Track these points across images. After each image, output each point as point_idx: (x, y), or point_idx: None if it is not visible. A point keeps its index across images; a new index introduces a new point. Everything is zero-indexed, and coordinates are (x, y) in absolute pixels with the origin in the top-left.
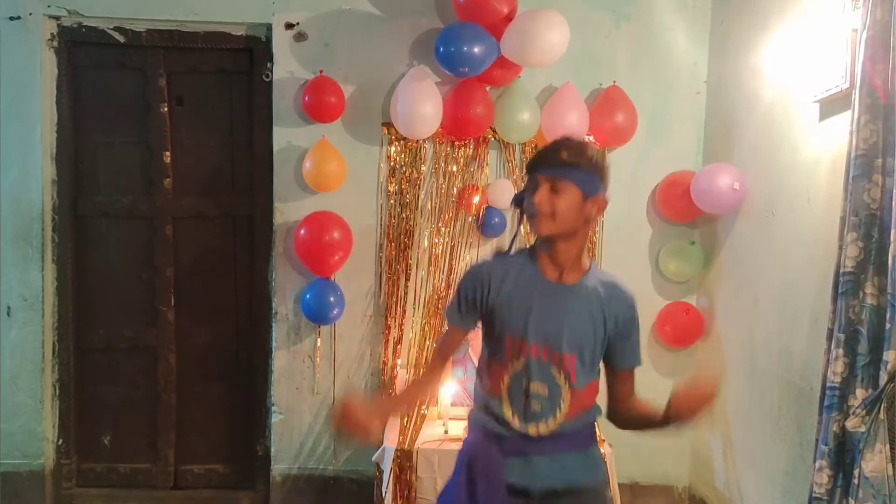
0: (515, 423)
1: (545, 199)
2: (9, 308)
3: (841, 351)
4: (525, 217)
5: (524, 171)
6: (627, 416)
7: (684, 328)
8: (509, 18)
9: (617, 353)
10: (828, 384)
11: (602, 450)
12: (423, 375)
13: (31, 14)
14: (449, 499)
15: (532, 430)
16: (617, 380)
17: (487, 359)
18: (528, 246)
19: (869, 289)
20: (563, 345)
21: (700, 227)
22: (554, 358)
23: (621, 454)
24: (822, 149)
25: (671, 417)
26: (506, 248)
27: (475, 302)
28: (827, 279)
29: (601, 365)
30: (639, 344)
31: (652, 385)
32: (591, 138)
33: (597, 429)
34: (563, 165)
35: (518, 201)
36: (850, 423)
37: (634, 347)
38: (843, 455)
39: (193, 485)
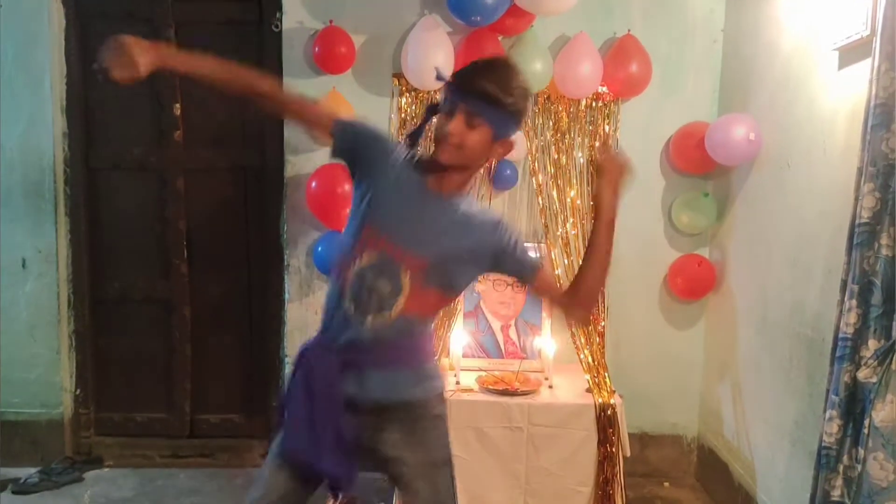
0: (351, 310)
1: (457, 130)
2: (24, 260)
3: (854, 302)
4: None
5: (454, 81)
6: (571, 299)
7: (696, 280)
8: None
9: (514, 270)
10: (840, 335)
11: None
12: (247, 70)
13: None
14: (290, 414)
15: (369, 319)
16: (535, 292)
17: (343, 248)
18: (418, 153)
19: (884, 240)
20: (416, 247)
21: (714, 179)
22: (406, 259)
23: (631, 404)
24: (840, 98)
25: (597, 208)
26: (410, 141)
27: (365, 153)
28: (841, 231)
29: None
30: (525, 253)
31: (664, 337)
32: (605, 89)
33: (432, 347)
34: (487, 102)
35: (432, 109)
36: (862, 374)
37: (522, 259)
38: (854, 405)
39: (209, 433)
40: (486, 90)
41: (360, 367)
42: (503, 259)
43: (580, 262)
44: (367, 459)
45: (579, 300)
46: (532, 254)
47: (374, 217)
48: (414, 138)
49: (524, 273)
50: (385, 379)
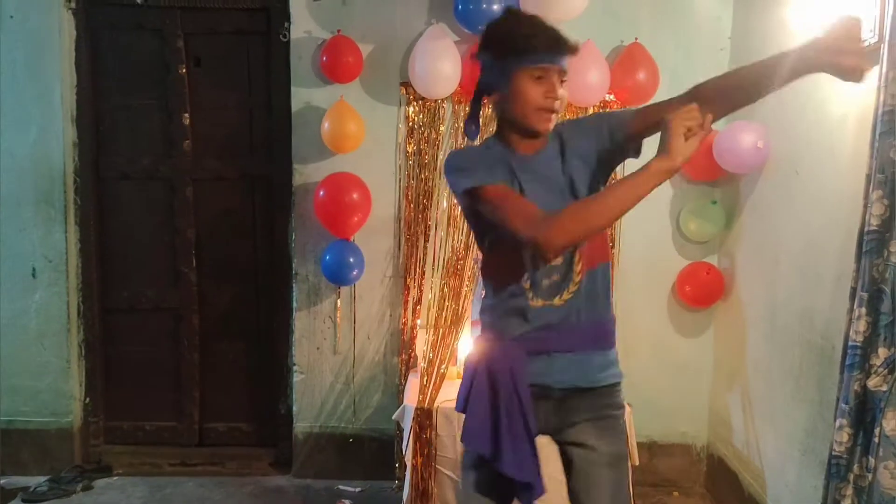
0: (538, 303)
1: (562, 94)
2: (34, 269)
3: (864, 310)
4: (501, 100)
5: (513, 46)
6: (721, 90)
7: (705, 288)
8: None
9: (621, 142)
10: (850, 343)
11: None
12: None
13: None
14: (471, 408)
15: (557, 300)
16: (643, 122)
17: (500, 252)
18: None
19: (893, 247)
20: (565, 201)
21: (722, 187)
22: None
23: (640, 413)
24: (848, 105)
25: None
26: (474, 141)
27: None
28: (850, 238)
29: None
30: (613, 114)
31: (672, 345)
32: (612, 97)
33: (615, 330)
34: (571, 52)
35: (490, 86)
36: (872, 383)
37: (615, 120)
38: (864, 414)
39: (217, 442)
40: (564, 40)
41: (548, 352)
42: (604, 136)
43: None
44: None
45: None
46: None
47: None
48: (476, 123)
49: (628, 121)
50: (574, 362)
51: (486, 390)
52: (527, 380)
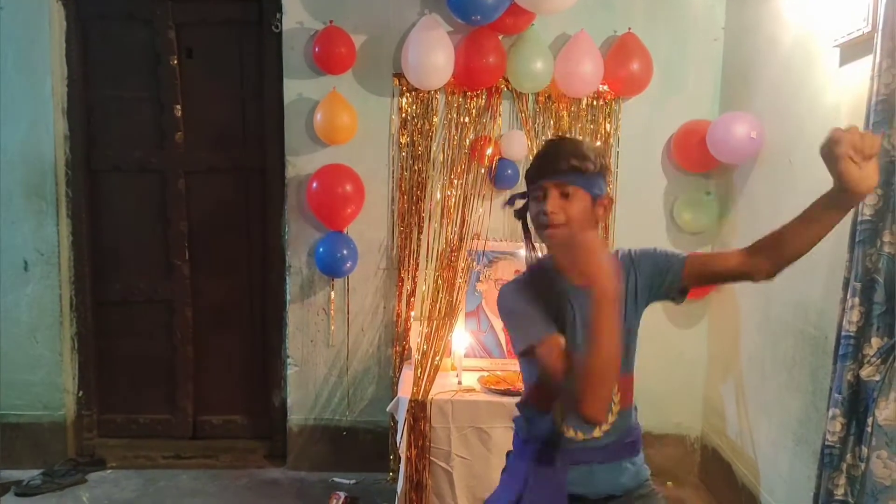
0: (578, 437)
1: (557, 207)
2: (25, 262)
3: (857, 300)
4: (532, 228)
5: (531, 173)
6: (763, 257)
7: None
8: None
9: (664, 281)
10: (843, 333)
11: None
12: None
13: None
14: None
15: (597, 432)
16: (698, 278)
17: (531, 376)
18: (541, 256)
19: (887, 237)
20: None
21: (716, 178)
22: None
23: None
24: (841, 95)
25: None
26: (531, 264)
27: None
28: (844, 228)
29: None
30: (671, 253)
31: (667, 336)
32: (606, 87)
33: (641, 434)
34: (571, 171)
35: (519, 211)
36: (865, 372)
37: (674, 257)
38: (857, 404)
39: (211, 435)
40: (563, 159)
41: (588, 463)
42: (658, 279)
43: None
44: None
45: (779, 255)
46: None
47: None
48: (529, 251)
49: (680, 269)
50: (612, 471)
51: (523, 488)
52: (564, 491)
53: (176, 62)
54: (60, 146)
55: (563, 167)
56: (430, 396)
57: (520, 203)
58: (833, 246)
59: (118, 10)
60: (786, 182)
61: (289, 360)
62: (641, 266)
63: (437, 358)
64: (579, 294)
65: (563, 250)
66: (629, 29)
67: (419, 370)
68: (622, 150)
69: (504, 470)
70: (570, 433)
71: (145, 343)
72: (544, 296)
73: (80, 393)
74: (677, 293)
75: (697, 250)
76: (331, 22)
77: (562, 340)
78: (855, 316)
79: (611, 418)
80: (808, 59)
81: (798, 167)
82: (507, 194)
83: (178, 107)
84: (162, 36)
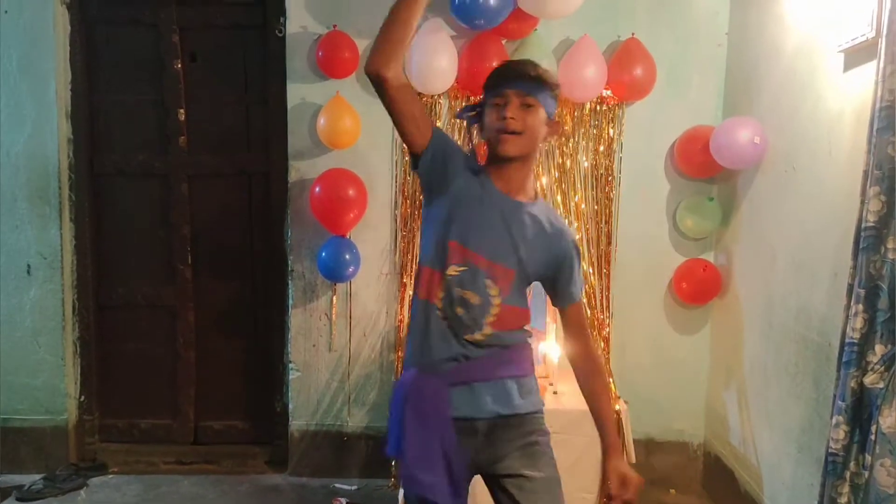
0: (446, 328)
1: (517, 115)
2: (28, 266)
3: (861, 307)
4: (479, 132)
5: (491, 81)
6: (578, 359)
7: (701, 285)
8: None
9: (561, 286)
10: (847, 340)
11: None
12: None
13: None
14: (397, 444)
15: (468, 336)
16: (563, 315)
17: (424, 266)
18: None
19: (891, 244)
20: (503, 257)
21: (719, 183)
22: (492, 269)
23: (636, 410)
24: (845, 100)
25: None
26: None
27: (448, 166)
28: (847, 234)
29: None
30: (579, 275)
31: (669, 342)
32: (609, 92)
33: (532, 357)
34: (536, 82)
35: (472, 117)
36: (869, 380)
37: (575, 280)
38: (861, 411)
39: (213, 440)
40: (527, 71)
41: (468, 383)
42: (560, 272)
43: (595, 392)
44: (487, 482)
45: (587, 362)
46: (578, 275)
47: (458, 229)
48: (472, 156)
49: (570, 295)
50: (495, 390)
51: (414, 424)
52: (449, 415)
53: (180, 66)
54: (64, 150)
55: (529, 77)
56: None
57: (471, 113)
58: (836, 252)
59: (123, 14)
60: (789, 188)
61: (290, 365)
62: (557, 255)
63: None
64: (497, 198)
65: (513, 156)
66: (632, 34)
67: None
68: (625, 154)
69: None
70: (444, 323)
71: (147, 347)
72: (468, 179)
73: (82, 397)
74: (553, 298)
75: (700, 256)
76: (334, 26)
77: None
78: (859, 323)
79: (486, 331)
80: (812, 64)
81: (801, 173)
82: None
83: (182, 111)
84: (166, 40)
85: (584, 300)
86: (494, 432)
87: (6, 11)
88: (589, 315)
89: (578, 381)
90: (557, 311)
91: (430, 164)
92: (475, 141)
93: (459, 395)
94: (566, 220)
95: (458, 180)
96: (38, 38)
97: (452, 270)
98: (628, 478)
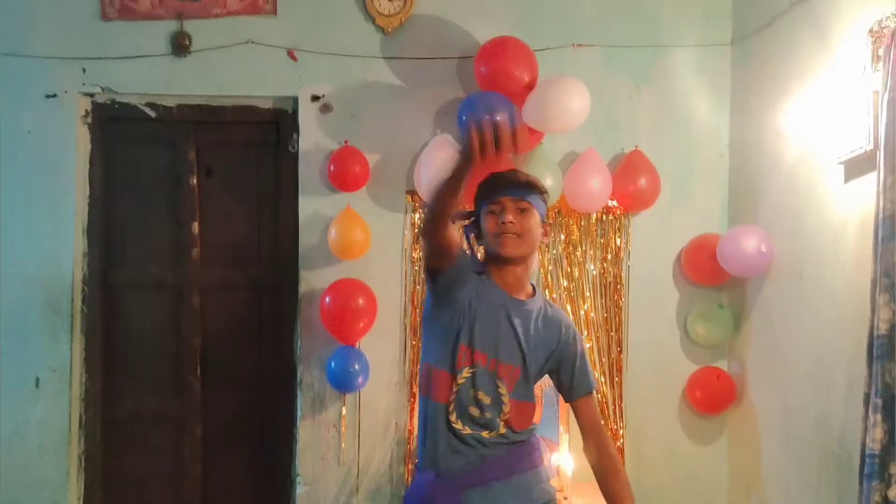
0: (466, 431)
1: (515, 218)
2: (37, 379)
3: (879, 417)
4: (479, 241)
5: (483, 190)
6: (594, 456)
7: (716, 394)
8: (530, 87)
9: (570, 379)
10: (867, 451)
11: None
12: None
13: (66, 92)
14: None
15: (485, 434)
16: (577, 410)
17: (433, 368)
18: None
19: None
20: (509, 356)
21: (728, 290)
22: (499, 368)
23: None
24: (848, 210)
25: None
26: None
27: (457, 284)
28: (860, 342)
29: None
30: (588, 367)
31: (685, 454)
32: (615, 202)
33: (543, 448)
34: (527, 187)
35: (467, 226)
36: (893, 493)
37: (584, 371)
38: None
39: None
40: (517, 178)
41: (487, 483)
42: (565, 364)
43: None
44: None
45: (604, 460)
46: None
47: (467, 332)
48: (475, 260)
49: (578, 387)
50: (512, 489)
51: None
52: None
53: (195, 181)
54: (79, 263)
55: (520, 183)
56: None
57: (465, 221)
58: (851, 360)
59: (142, 133)
60: (799, 295)
61: (298, 479)
62: (558, 348)
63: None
64: (500, 297)
65: (515, 257)
66: (636, 147)
67: None
68: (633, 263)
69: None
70: (458, 424)
71: (153, 462)
72: (475, 287)
73: None
74: (563, 393)
75: (713, 364)
76: (346, 142)
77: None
78: (878, 433)
79: (502, 429)
80: (813, 175)
81: (810, 281)
82: None
83: (196, 224)
84: (183, 157)
85: (596, 396)
86: None
87: (29, 132)
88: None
89: (598, 482)
90: (571, 409)
91: (447, 281)
92: (475, 248)
93: (478, 497)
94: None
95: (467, 287)
96: (58, 156)
97: (465, 372)
98: None
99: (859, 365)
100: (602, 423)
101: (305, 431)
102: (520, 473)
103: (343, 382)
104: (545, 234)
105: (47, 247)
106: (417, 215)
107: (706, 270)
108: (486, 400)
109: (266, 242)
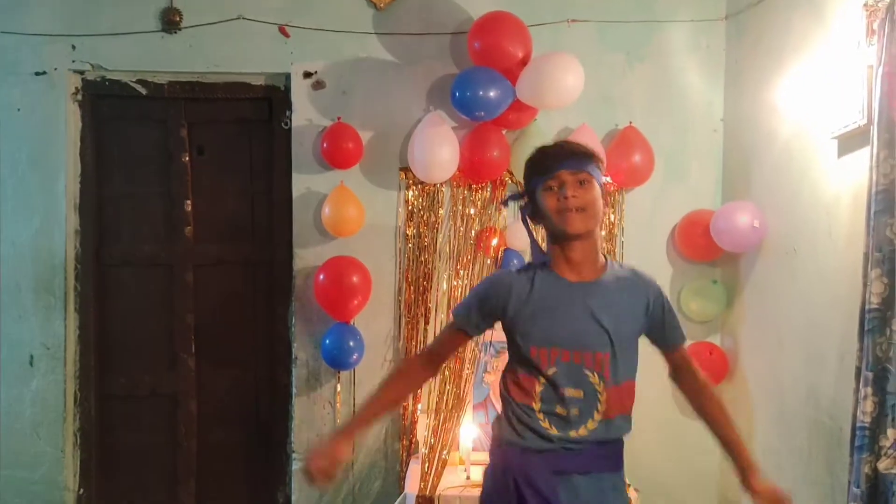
0: (553, 432)
1: (576, 192)
2: (31, 357)
3: (870, 390)
4: (538, 220)
5: (535, 167)
6: (691, 396)
7: (709, 368)
8: (524, 62)
9: (663, 334)
10: (858, 424)
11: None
12: (401, 372)
13: (55, 69)
14: None
15: (573, 433)
16: (668, 360)
17: (516, 369)
18: (534, 260)
19: None
20: (592, 344)
21: (722, 266)
22: (585, 359)
23: (647, 497)
24: (841, 184)
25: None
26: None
27: (493, 312)
28: (852, 316)
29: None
30: (677, 322)
31: (678, 427)
32: (609, 179)
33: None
34: (585, 158)
35: (526, 209)
36: (882, 465)
37: (674, 324)
38: (877, 497)
39: None
40: (573, 148)
41: (570, 473)
42: (653, 324)
43: (718, 415)
44: None
45: (701, 393)
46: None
47: (534, 340)
48: (536, 249)
49: (672, 339)
50: (592, 483)
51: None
52: (558, 499)
53: (187, 159)
54: (71, 241)
55: (577, 153)
56: (437, 492)
57: (520, 202)
58: (842, 334)
59: (133, 110)
60: (792, 270)
61: (294, 455)
62: (645, 313)
63: (445, 452)
64: (567, 289)
65: (582, 233)
66: (630, 122)
67: (426, 465)
68: (627, 239)
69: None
70: (545, 424)
71: (148, 438)
72: (532, 291)
73: (81, 490)
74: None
75: (706, 339)
76: (339, 119)
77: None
78: (869, 406)
79: (591, 425)
80: (807, 150)
81: (803, 256)
82: None
83: (188, 202)
84: (174, 135)
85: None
86: None
87: (19, 110)
88: None
89: (698, 412)
90: (671, 360)
91: (483, 325)
92: (533, 230)
93: (561, 484)
94: None
95: (508, 308)
96: (49, 134)
97: (549, 372)
98: (779, 493)
99: (851, 339)
100: (693, 363)
101: (300, 408)
102: (601, 472)
103: (338, 359)
104: (606, 205)
105: (39, 225)
106: (411, 192)
107: (700, 246)
108: (578, 394)
109: (259, 219)
